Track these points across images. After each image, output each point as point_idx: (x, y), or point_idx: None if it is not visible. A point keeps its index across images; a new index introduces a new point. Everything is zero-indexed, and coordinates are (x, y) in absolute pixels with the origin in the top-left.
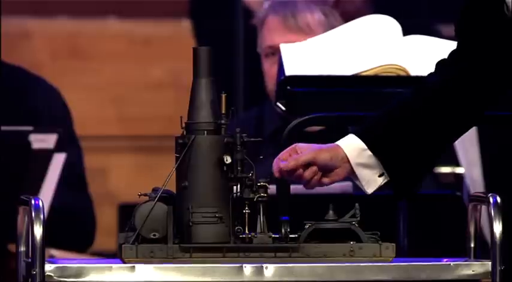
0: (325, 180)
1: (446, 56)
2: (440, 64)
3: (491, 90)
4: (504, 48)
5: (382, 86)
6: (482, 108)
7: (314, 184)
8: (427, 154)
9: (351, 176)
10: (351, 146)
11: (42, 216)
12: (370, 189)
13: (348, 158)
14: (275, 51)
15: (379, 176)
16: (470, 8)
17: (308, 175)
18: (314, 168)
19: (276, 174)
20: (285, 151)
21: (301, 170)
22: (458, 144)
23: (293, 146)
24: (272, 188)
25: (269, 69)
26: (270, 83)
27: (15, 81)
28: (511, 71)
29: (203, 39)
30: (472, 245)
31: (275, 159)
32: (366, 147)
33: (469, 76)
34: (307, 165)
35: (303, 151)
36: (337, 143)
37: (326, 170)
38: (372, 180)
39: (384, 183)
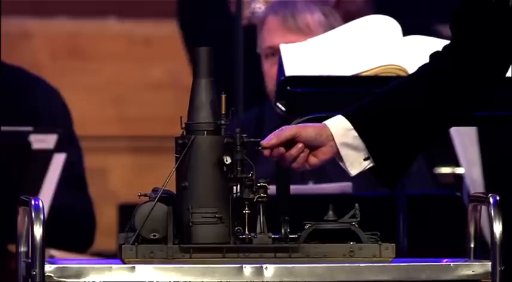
0: (312, 159)
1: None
2: (434, 56)
3: (483, 84)
4: (501, 42)
5: (382, 86)
6: (472, 103)
7: (301, 162)
8: (413, 142)
9: (336, 156)
10: (337, 125)
11: (42, 217)
12: (354, 171)
13: (333, 137)
14: (275, 52)
15: (365, 159)
16: (466, 2)
17: (295, 152)
18: (300, 145)
19: (265, 153)
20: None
21: (283, 149)
22: (458, 144)
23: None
24: (272, 188)
25: (269, 69)
26: (270, 83)
27: (15, 82)
28: (505, 67)
29: (202, 39)
30: (472, 245)
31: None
32: (351, 127)
33: (462, 69)
34: (292, 143)
35: (286, 128)
36: (324, 122)
37: (311, 147)
38: (356, 162)
39: (368, 168)
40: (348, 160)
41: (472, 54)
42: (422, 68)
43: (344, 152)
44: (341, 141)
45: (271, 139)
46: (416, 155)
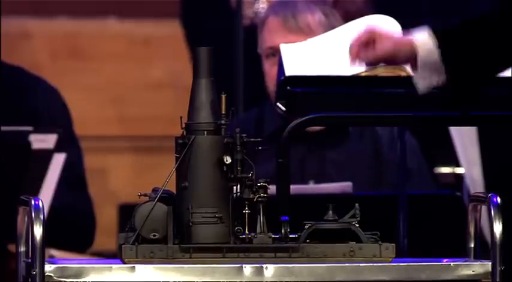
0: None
1: None
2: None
3: None
4: None
5: (382, 86)
6: None
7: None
8: (489, 67)
9: (413, 70)
10: (425, 44)
11: (42, 217)
12: (423, 86)
13: (417, 55)
14: (275, 52)
15: (436, 76)
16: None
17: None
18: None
19: (352, 60)
20: (362, 36)
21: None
22: (458, 144)
23: (369, 31)
24: (272, 188)
25: (270, 70)
26: (271, 84)
27: (15, 82)
28: None
29: (203, 39)
30: (472, 245)
31: (353, 43)
32: (437, 48)
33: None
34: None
35: (381, 42)
36: (413, 38)
37: (397, 63)
38: (427, 79)
39: (436, 88)
40: (421, 77)
41: None
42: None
43: (421, 70)
44: (423, 61)
45: (368, 58)
46: (486, 81)
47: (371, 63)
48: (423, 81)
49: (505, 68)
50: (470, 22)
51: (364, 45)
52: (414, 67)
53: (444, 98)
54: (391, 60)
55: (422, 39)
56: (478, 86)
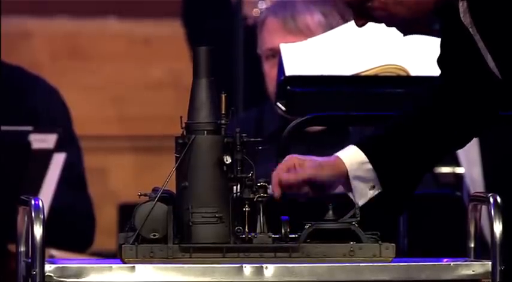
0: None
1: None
2: (430, 90)
3: (471, 123)
4: (483, 86)
5: (382, 86)
6: (462, 139)
7: (307, 197)
8: (417, 171)
9: (345, 187)
10: (352, 159)
11: (42, 216)
12: (361, 201)
13: (347, 171)
14: (275, 54)
15: (370, 188)
16: (448, 43)
17: (304, 192)
18: (309, 187)
19: (275, 189)
20: (283, 164)
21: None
22: None
23: (291, 159)
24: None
25: (269, 71)
26: (271, 85)
27: (15, 81)
28: (489, 107)
29: (203, 39)
30: (472, 245)
31: (274, 173)
32: (367, 160)
33: (450, 113)
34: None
35: (302, 165)
36: (339, 155)
37: (324, 185)
38: (364, 193)
39: (373, 196)
40: (358, 191)
41: (458, 101)
42: (420, 105)
43: (355, 184)
44: (354, 175)
45: (289, 178)
46: (418, 184)
47: (294, 186)
48: (359, 195)
49: (435, 164)
50: (392, 128)
51: (286, 171)
52: (345, 184)
53: (381, 203)
54: (314, 179)
55: (349, 154)
56: (413, 190)
